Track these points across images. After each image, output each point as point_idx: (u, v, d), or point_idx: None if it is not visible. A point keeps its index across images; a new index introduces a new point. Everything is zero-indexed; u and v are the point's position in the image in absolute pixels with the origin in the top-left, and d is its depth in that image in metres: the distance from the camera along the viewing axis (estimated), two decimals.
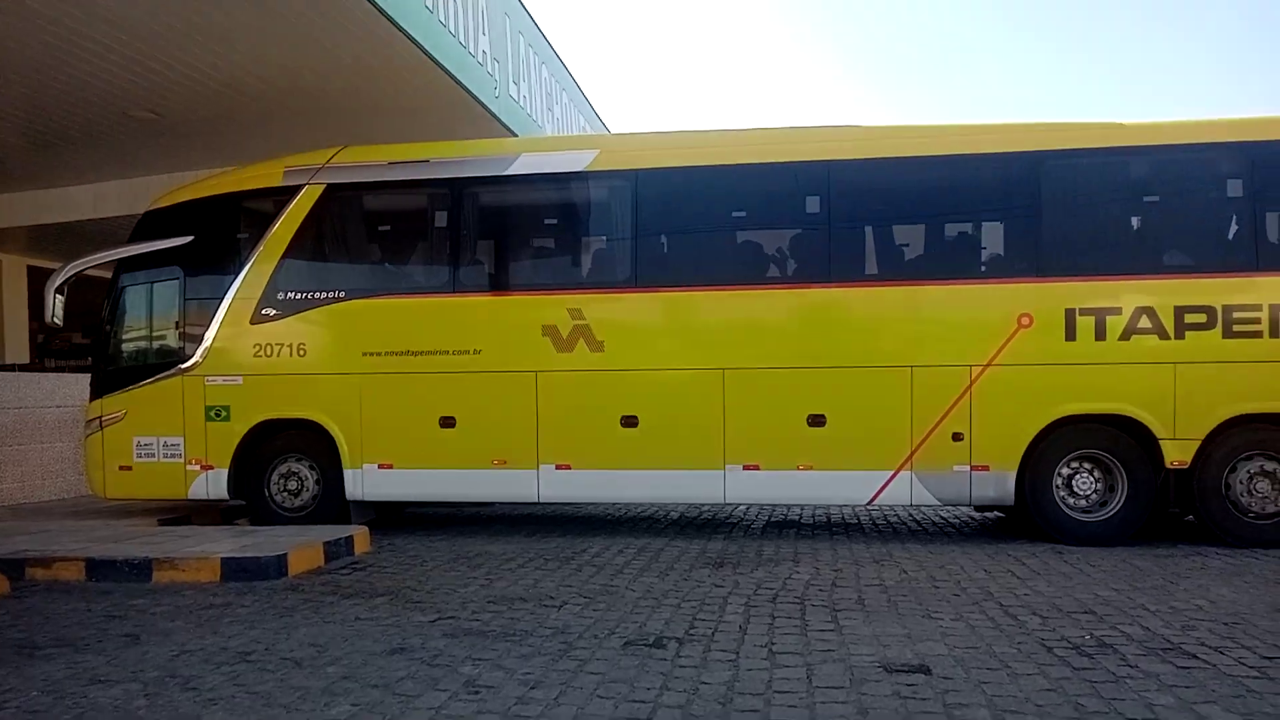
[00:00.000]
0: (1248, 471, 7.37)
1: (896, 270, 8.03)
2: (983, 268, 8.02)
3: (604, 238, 8.73)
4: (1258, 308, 7.30)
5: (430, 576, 6.50)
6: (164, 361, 8.62)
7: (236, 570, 6.36)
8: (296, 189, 8.39)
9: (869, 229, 8.09)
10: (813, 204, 7.97)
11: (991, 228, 8.06)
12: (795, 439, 7.74)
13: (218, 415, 8.40)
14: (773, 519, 9.28)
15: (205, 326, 8.47)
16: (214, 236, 8.69)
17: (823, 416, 7.72)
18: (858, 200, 7.98)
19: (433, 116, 9.95)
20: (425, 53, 8.27)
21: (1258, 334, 7.29)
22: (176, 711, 3.79)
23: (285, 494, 8.54)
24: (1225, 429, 7.32)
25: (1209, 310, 7.35)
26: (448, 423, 8.16)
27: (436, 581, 6.32)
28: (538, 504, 9.28)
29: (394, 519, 9.38)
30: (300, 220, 8.37)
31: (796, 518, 9.36)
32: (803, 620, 5.16)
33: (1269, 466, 7.35)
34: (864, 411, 7.70)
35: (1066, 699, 3.82)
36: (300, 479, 8.52)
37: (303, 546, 6.80)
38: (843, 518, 9.31)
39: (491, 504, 10.26)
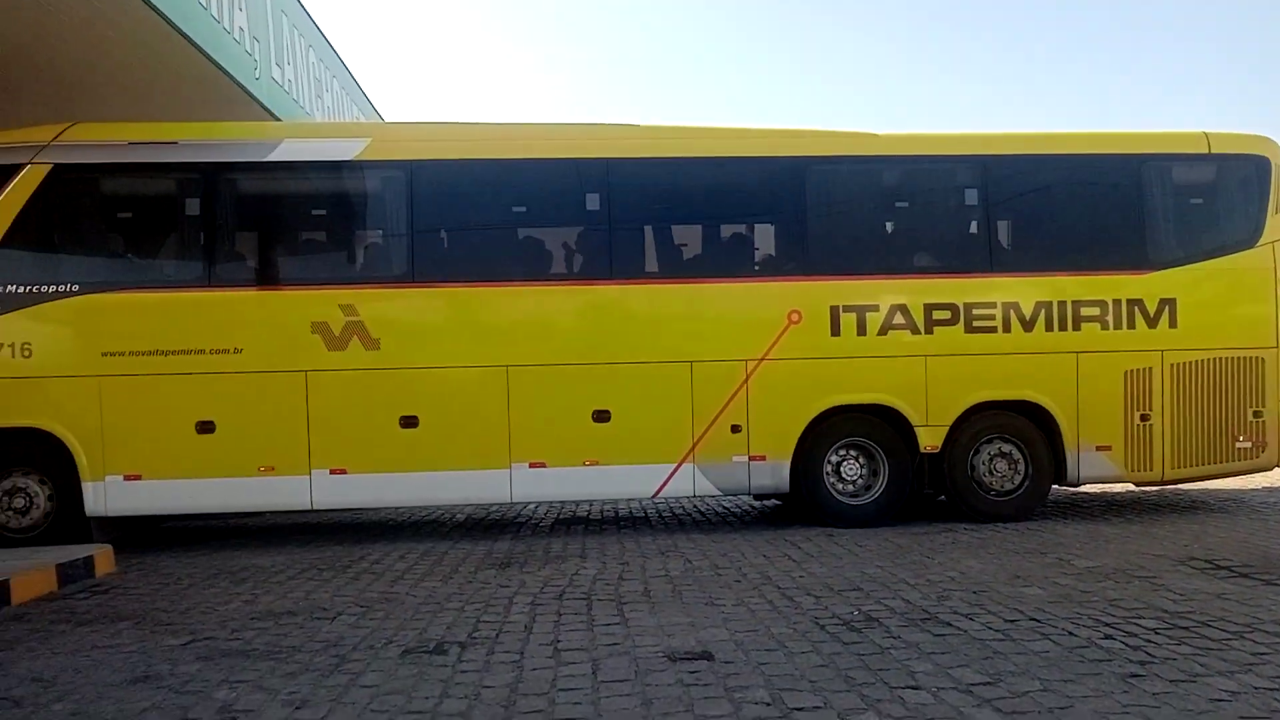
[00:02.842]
0: (989, 453, 8.11)
1: (676, 268, 8.19)
2: (756, 267, 8.35)
3: (379, 231, 8.34)
4: (993, 305, 8.05)
5: (185, 595, 5.91)
6: None
7: None
8: (14, 169, 7.37)
9: (649, 227, 8.20)
10: (593, 201, 7.99)
11: (764, 228, 8.42)
12: (581, 435, 7.71)
13: None
14: (561, 516, 9.22)
15: None
16: None
17: (607, 412, 7.74)
18: (638, 198, 8.08)
19: (182, 96, 9.10)
20: (169, 22, 7.50)
21: (993, 329, 8.04)
22: None
23: (11, 513, 7.49)
24: (969, 415, 8.01)
25: (953, 307, 8.02)
26: (205, 428, 7.48)
27: (192, 600, 5.75)
28: (311, 512, 8.73)
29: (147, 535, 8.50)
30: (21, 204, 7.36)
31: (585, 514, 9.35)
32: (589, 615, 5.11)
33: (1006, 448, 8.12)
34: (647, 406, 7.78)
35: (838, 673, 3.99)
36: (29, 495, 7.52)
37: (29, 570, 5.98)
38: (630, 512, 9.39)
39: (261, 514, 9.54)
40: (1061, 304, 8.06)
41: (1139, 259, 8.18)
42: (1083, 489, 9.67)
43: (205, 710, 3.70)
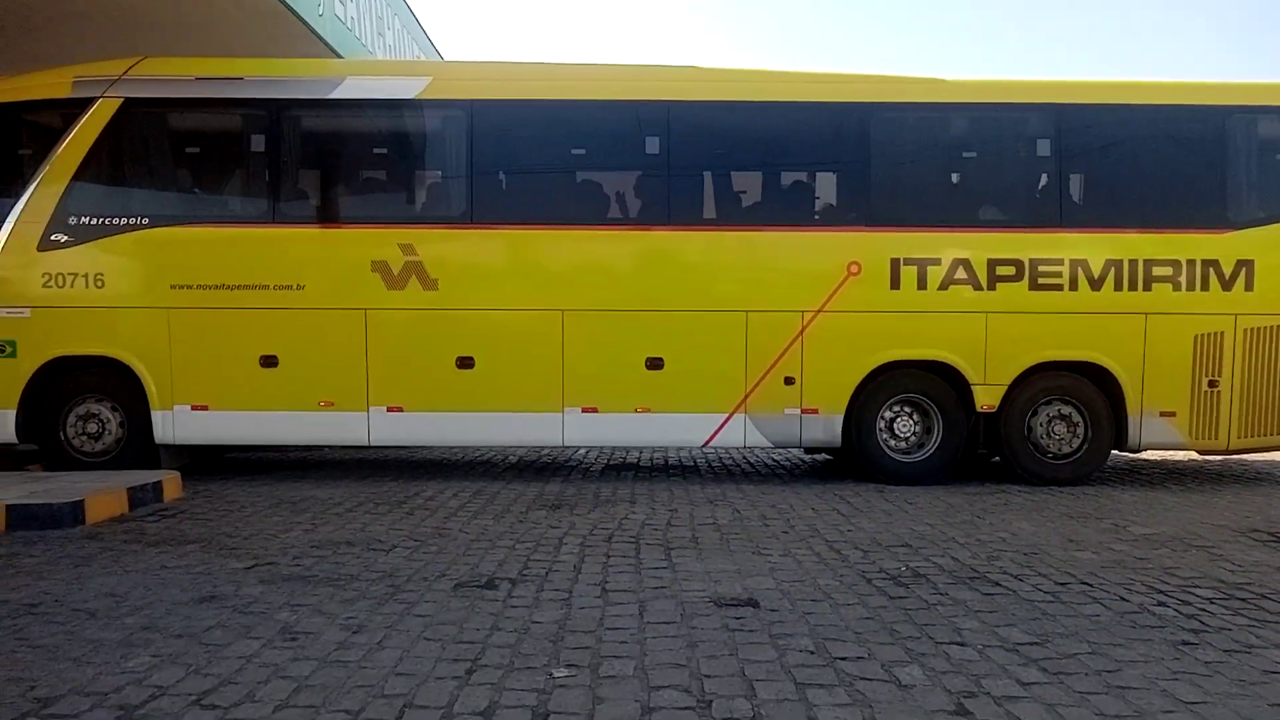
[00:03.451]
0: (1047, 415, 7.95)
1: (735, 215, 8.09)
2: (816, 216, 8.21)
3: (438, 171, 8.37)
4: (1060, 262, 7.82)
5: (248, 522, 6.12)
6: None
7: (25, 518, 5.77)
8: (89, 101, 7.55)
9: (708, 173, 8.10)
10: (653, 144, 7.90)
11: (825, 176, 8.26)
12: (634, 381, 7.74)
13: (1, 351, 7.57)
14: (611, 461, 9.31)
15: None
16: None
17: (661, 359, 7.75)
18: (697, 143, 7.96)
19: (248, 32, 9.18)
20: None
21: (1059, 287, 7.82)
22: None
23: (84, 437, 7.82)
24: (1029, 375, 7.85)
25: (1018, 263, 7.82)
26: (269, 362, 7.67)
27: (255, 527, 5.96)
28: (369, 448, 8.94)
29: (212, 464, 8.80)
30: (94, 137, 7.56)
31: (635, 460, 9.43)
32: (637, 559, 5.17)
33: (1065, 410, 7.95)
34: (701, 355, 7.77)
35: (883, 626, 4.00)
36: (101, 421, 7.82)
37: (103, 492, 6.25)
38: (680, 460, 9.45)
39: (320, 448, 9.81)
40: (1132, 263, 7.80)
41: (1217, 217, 7.86)
42: (1143, 455, 9.48)
43: (267, 630, 3.86)
